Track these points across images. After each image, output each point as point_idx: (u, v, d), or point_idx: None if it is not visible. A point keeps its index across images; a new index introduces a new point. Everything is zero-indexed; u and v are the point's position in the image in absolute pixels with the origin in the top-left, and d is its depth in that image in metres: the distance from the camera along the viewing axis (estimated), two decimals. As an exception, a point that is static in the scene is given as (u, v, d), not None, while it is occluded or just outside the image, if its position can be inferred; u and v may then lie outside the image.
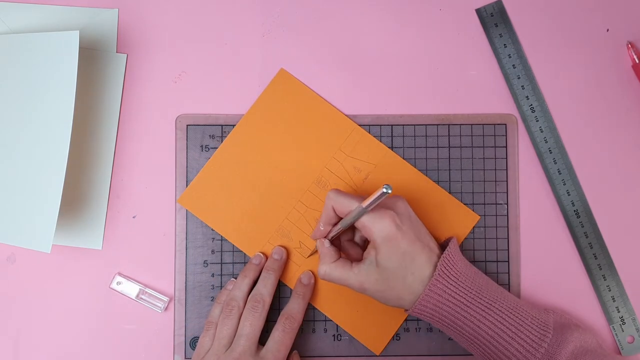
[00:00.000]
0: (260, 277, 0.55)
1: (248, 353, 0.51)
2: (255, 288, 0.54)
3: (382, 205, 0.50)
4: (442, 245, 0.54)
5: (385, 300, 0.51)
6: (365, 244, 0.55)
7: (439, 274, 0.50)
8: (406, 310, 0.52)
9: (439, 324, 0.51)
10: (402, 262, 0.50)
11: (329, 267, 0.52)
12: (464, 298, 0.50)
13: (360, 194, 0.55)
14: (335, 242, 0.54)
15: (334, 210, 0.51)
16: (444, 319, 0.50)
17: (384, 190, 0.46)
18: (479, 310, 0.50)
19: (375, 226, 0.49)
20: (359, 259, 0.52)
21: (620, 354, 0.57)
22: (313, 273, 0.56)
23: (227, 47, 0.58)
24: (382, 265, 0.50)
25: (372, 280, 0.50)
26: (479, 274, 0.52)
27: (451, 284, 0.50)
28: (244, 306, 0.53)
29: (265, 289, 0.54)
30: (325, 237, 0.53)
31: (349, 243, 0.55)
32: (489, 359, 0.51)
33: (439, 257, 0.51)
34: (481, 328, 0.50)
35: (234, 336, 0.52)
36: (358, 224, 0.50)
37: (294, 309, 0.54)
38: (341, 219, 0.52)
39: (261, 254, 0.56)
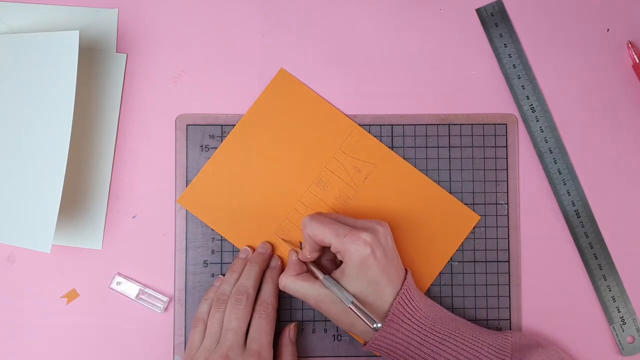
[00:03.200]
0: (244, 270, 0.54)
1: (236, 346, 0.50)
2: (238, 281, 0.54)
3: (362, 226, 0.51)
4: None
5: (337, 323, 0.51)
6: None
7: (394, 313, 0.49)
8: (363, 345, 0.52)
9: None
10: (364, 289, 0.49)
11: (289, 279, 0.52)
12: (418, 336, 0.50)
13: (337, 212, 0.56)
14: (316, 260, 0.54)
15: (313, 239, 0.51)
16: (399, 357, 0.50)
17: (374, 326, 0.48)
18: (434, 347, 0.50)
19: (350, 249, 0.49)
20: None
21: (620, 354, 0.57)
22: (280, 257, 0.56)
23: (227, 47, 0.58)
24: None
25: (328, 301, 0.50)
26: (434, 307, 0.52)
27: (405, 323, 0.49)
28: None
29: (248, 281, 0.53)
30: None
31: (330, 262, 0.55)
32: None
33: (397, 295, 0.50)
34: None
35: None
36: (333, 249, 0.51)
37: (265, 294, 0.54)
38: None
39: (248, 248, 0.56)
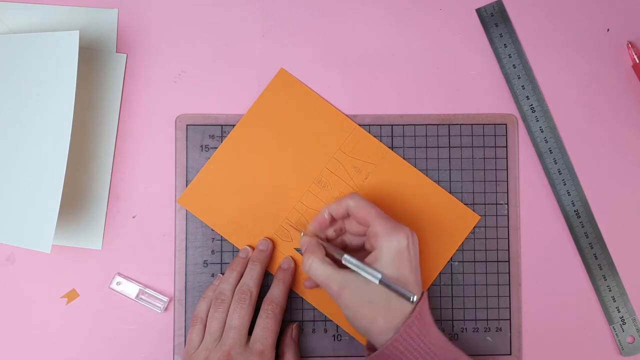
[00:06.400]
0: (247, 268, 0.54)
1: (238, 345, 0.50)
2: (241, 280, 0.54)
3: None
4: None
5: (356, 318, 0.48)
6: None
7: (419, 312, 0.48)
8: (368, 350, 0.50)
9: None
10: (396, 281, 0.48)
11: (316, 260, 0.49)
12: (434, 345, 0.48)
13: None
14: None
15: (348, 211, 0.51)
16: None
17: (411, 298, 0.46)
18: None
19: (390, 238, 0.48)
20: None
21: (620, 354, 0.57)
22: (293, 258, 0.56)
23: (227, 47, 0.58)
24: None
25: (353, 288, 0.48)
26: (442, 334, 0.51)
27: (424, 329, 0.48)
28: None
29: (252, 280, 0.53)
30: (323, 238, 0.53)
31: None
32: None
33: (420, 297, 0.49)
34: None
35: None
36: (370, 231, 0.49)
37: (275, 294, 0.54)
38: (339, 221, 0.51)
39: (248, 247, 0.56)
